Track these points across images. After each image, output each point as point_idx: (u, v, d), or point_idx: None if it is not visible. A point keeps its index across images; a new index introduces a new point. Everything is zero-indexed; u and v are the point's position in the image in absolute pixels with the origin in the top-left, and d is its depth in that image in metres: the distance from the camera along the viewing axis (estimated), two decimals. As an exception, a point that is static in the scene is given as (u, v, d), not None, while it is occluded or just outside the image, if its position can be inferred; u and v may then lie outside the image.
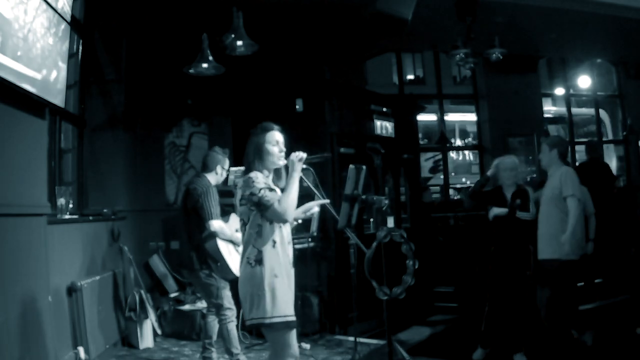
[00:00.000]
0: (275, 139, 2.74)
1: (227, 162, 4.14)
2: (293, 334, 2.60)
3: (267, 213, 2.57)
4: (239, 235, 3.89)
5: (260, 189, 2.56)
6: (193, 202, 3.86)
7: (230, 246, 3.91)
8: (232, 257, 3.84)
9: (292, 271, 2.69)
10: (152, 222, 5.69)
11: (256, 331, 4.35)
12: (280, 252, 2.62)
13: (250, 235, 2.59)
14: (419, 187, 7.53)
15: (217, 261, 3.81)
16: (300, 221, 3.11)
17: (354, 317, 4.74)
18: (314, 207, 3.06)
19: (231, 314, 3.89)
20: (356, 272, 4.26)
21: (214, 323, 4.01)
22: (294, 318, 2.60)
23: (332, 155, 5.47)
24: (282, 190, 2.69)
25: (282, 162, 2.75)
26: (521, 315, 4.14)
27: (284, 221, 2.65)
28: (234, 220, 4.05)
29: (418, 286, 4.02)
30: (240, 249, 3.83)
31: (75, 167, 4.88)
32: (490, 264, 4.25)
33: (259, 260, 2.55)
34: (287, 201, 2.61)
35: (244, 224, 2.64)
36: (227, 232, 3.87)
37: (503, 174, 4.24)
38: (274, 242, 2.60)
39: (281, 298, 2.55)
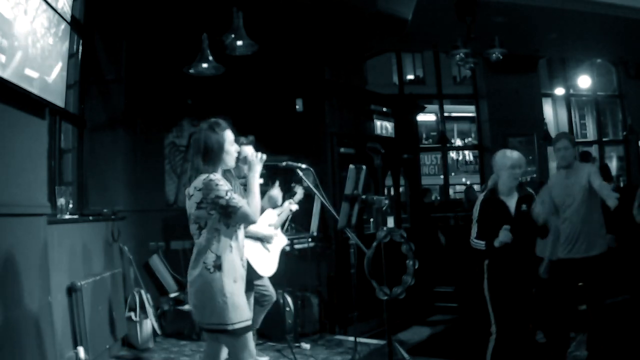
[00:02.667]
0: (232, 137, 2.65)
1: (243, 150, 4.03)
2: (251, 336, 2.57)
3: (235, 216, 2.50)
4: (270, 231, 3.88)
5: (227, 192, 2.48)
6: None
7: (257, 244, 3.81)
8: (258, 256, 3.75)
9: (245, 275, 2.63)
10: (152, 222, 5.69)
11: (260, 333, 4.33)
12: (237, 257, 2.56)
13: (208, 240, 2.49)
14: (419, 187, 7.53)
15: None
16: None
17: (354, 317, 4.74)
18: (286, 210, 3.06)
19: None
20: (356, 272, 4.27)
21: None
22: (251, 321, 2.58)
23: (333, 158, 5.46)
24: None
25: (233, 163, 2.67)
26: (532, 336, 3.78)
27: (253, 223, 2.63)
28: (266, 215, 3.90)
29: (418, 286, 4.02)
30: (273, 244, 3.84)
31: (75, 167, 4.88)
32: (489, 283, 3.49)
33: (218, 266, 2.47)
34: (255, 202, 2.58)
35: (199, 228, 2.51)
36: (251, 229, 3.67)
37: (505, 173, 3.43)
38: (231, 247, 2.53)
39: (241, 303, 2.50)
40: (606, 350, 3.75)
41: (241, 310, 2.49)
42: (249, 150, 3.79)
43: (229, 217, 2.51)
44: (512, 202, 3.43)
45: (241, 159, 3.89)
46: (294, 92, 5.82)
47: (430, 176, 14.73)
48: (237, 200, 2.50)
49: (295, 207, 4.18)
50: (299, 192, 4.20)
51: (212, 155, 2.55)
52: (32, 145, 3.46)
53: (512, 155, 3.46)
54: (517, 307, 3.41)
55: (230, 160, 2.64)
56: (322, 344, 4.85)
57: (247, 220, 2.58)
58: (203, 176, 2.51)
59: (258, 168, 2.67)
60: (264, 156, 2.72)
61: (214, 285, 2.45)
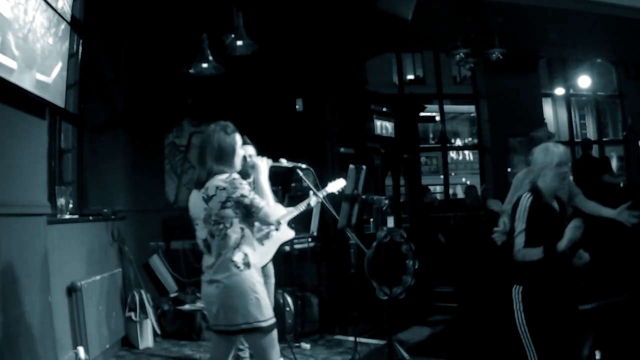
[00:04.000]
0: (240, 141, 2.66)
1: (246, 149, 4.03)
2: (276, 335, 2.57)
3: (257, 216, 2.52)
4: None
5: (250, 191, 2.50)
6: None
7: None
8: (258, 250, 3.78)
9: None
10: (152, 222, 5.69)
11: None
12: (258, 255, 2.62)
13: (236, 239, 2.50)
14: (419, 187, 7.54)
15: None
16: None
17: (354, 317, 4.74)
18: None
19: None
20: (356, 272, 4.27)
21: None
22: (275, 318, 2.59)
23: (333, 158, 5.46)
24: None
25: (240, 166, 2.67)
26: None
27: (271, 223, 2.66)
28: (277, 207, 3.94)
29: (418, 286, 4.03)
30: (269, 239, 3.82)
31: (75, 167, 4.88)
32: (527, 314, 2.72)
33: (247, 264, 2.49)
34: (271, 204, 2.63)
35: (225, 228, 2.49)
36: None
37: (550, 173, 2.79)
38: (255, 245, 2.59)
39: (266, 300, 2.54)
40: (610, 350, 3.74)
41: (268, 307, 2.52)
42: (249, 150, 3.86)
43: (251, 217, 2.52)
44: (556, 207, 2.86)
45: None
46: (294, 92, 5.82)
47: (430, 176, 14.75)
48: (259, 200, 2.52)
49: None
50: (313, 200, 4.06)
51: (226, 156, 2.56)
52: (32, 145, 3.45)
53: (557, 150, 2.83)
54: (566, 339, 2.72)
55: (239, 163, 2.65)
56: (322, 344, 4.85)
57: (267, 222, 2.60)
58: (224, 175, 2.50)
59: (265, 170, 2.69)
60: (270, 161, 2.76)
61: (245, 284, 2.46)
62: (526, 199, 2.78)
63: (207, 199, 2.51)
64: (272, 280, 4.01)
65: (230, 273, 2.47)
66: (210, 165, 2.54)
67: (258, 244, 3.79)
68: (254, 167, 2.72)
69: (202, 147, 2.60)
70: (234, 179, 2.49)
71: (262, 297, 2.48)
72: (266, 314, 2.48)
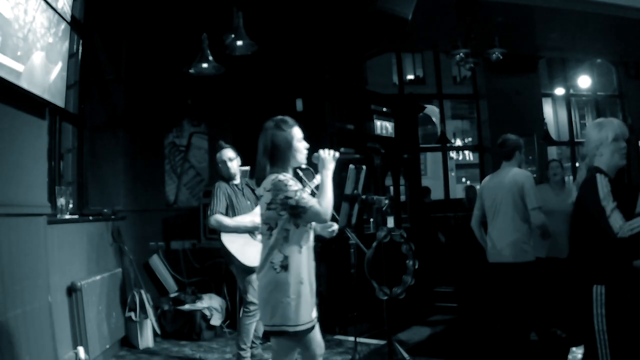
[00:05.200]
0: (300, 134, 2.59)
1: (226, 152, 4.05)
2: (311, 336, 2.53)
3: (305, 216, 2.46)
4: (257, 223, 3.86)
5: (296, 192, 2.44)
6: (208, 200, 3.96)
7: (244, 237, 3.84)
8: (245, 248, 3.80)
9: (314, 276, 2.59)
10: (152, 222, 5.69)
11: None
12: (306, 257, 2.52)
13: (277, 240, 2.46)
14: (419, 187, 7.53)
15: (227, 254, 3.82)
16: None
17: (354, 317, 4.74)
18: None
19: (254, 308, 3.80)
20: (356, 272, 4.26)
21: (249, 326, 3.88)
22: (314, 322, 2.53)
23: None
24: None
25: (304, 160, 2.62)
26: None
27: (325, 221, 2.58)
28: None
29: (418, 286, 4.02)
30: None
31: (75, 167, 4.88)
32: (609, 312, 2.42)
33: (285, 267, 2.44)
34: (327, 201, 2.52)
35: (270, 229, 2.49)
36: (230, 224, 3.80)
37: (607, 150, 2.59)
38: (300, 247, 2.50)
39: (305, 305, 2.46)
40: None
41: (305, 312, 2.45)
42: (229, 153, 4.03)
43: (299, 217, 2.47)
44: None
45: (232, 159, 3.98)
46: (294, 92, 5.82)
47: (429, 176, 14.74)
48: (307, 199, 2.46)
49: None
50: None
51: (280, 154, 2.51)
52: (32, 145, 3.46)
53: (611, 124, 2.58)
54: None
55: (300, 157, 2.58)
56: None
57: (319, 219, 2.52)
58: (272, 177, 2.48)
59: (331, 166, 2.62)
60: (337, 154, 2.67)
61: (279, 286, 2.43)
62: (600, 179, 2.49)
63: (258, 199, 2.55)
64: None
65: (268, 273, 2.46)
66: (264, 164, 2.52)
67: (246, 244, 3.83)
68: (319, 160, 2.64)
69: (259, 146, 2.56)
70: (279, 180, 2.45)
71: (296, 302, 2.42)
72: (296, 319, 2.42)
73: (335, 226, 2.84)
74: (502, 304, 3.93)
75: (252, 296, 3.82)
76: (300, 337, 2.47)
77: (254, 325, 3.88)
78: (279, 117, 2.59)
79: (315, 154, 2.64)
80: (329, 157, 2.62)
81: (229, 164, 4.04)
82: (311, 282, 2.54)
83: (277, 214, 2.46)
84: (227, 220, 3.82)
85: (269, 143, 2.52)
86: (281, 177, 2.47)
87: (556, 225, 4.08)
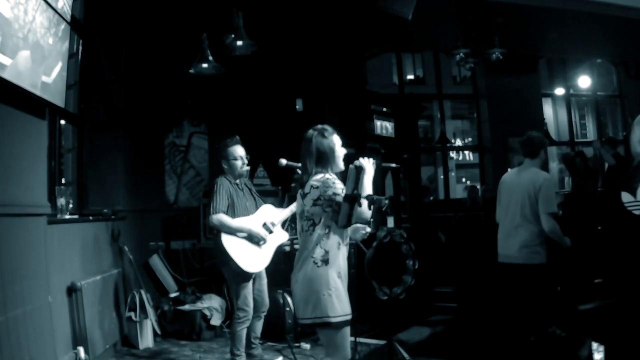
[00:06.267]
0: (340, 141, 2.79)
1: (231, 150, 3.93)
2: (348, 332, 2.69)
3: None
4: (258, 230, 3.82)
5: (343, 189, 2.61)
6: (207, 200, 3.86)
7: (244, 241, 3.75)
8: (244, 252, 3.71)
9: (347, 273, 2.75)
10: (152, 222, 5.69)
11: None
12: (343, 253, 2.71)
13: (319, 236, 2.63)
14: (419, 187, 7.53)
15: (225, 256, 3.68)
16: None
17: (354, 317, 4.74)
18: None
19: (243, 315, 3.77)
20: (356, 272, 4.26)
21: (241, 332, 3.84)
22: (351, 315, 2.68)
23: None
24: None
25: (342, 165, 2.79)
26: None
27: (366, 221, 2.73)
28: (261, 213, 3.89)
29: (418, 286, 4.02)
30: (265, 244, 3.82)
31: (75, 167, 4.88)
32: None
33: (326, 261, 2.61)
34: (365, 204, 2.68)
35: (313, 224, 2.65)
36: (233, 225, 3.70)
37: None
38: (339, 243, 2.67)
39: (344, 297, 2.63)
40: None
41: (343, 303, 2.62)
42: (240, 151, 3.97)
43: None
44: None
45: (239, 158, 3.94)
46: (294, 92, 5.82)
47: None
48: None
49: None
50: None
51: (324, 159, 2.71)
52: (32, 145, 3.45)
53: None
54: None
55: (340, 162, 2.77)
56: (322, 343, 4.84)
57: (361, 218, 2.67)
58: (319, 175, 2.66)
59: (370, 172, 2.76)
60: (376, 161, 2.83)
61: (320, 279, 2.58)
62: None
63: (303, 196, 2.69)
64: (265, 281, 4.02)
65: (309, 267, 2.61)
66: (310, 168, 2.72)
67: (247, 249, 3.82)
68: (360, 167, 2.78)
69: (303, 153, 2.75)
70: (327, 178, 2.64)
71: (336, 295, 2.58)
72: (337, 310, 2.57)
73: (368, 229, 3.00)
74: (508, 305, 3.88)
75: (243, 303, 3.77)
76: (341, 328, 2.62)
77: (246, 330, 3.85)
78: (320, 126, 2.79)
79: (356, 161, 2.78)
80: (369, 164, 2.78)
81: (240, 162, 3.92)
82: (346, 278, 2.73)
83: (322, 210, 2.63)
84: (230, 221, 3.72)
85: (314, 149, 2.72)
86: (328, 175, 2.67)
87: None
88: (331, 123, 5.43)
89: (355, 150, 5.93)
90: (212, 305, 5.18)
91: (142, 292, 4.77)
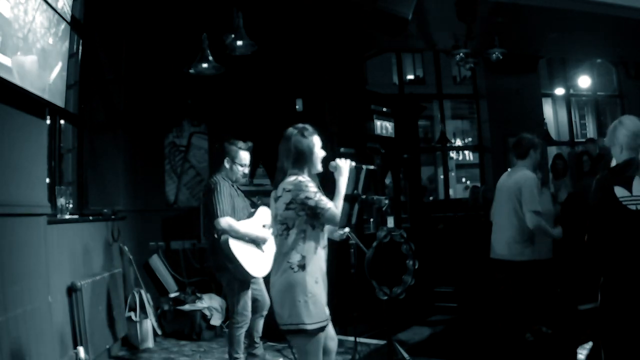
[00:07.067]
0: (320, 142, 2.74)
1: (241, 156, 3.88)
2: (323, 334, 2.60)
3: (323, 217, 2.56)
4: (263, 233, 3.82)
5: (316, 193, 2.55)
6: (204, 199, 3.80)
7: (250, 245, 3.72)
8: (251, 257, 3.67)
9: (326, 276, 2.69)
10: (152, 222, 5.69)
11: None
12: (320, 258, 2.63)
13: (295, 240, 2.56)
14: (419, 187, 7.53)
15: (231, 261, 3.61)
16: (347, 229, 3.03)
17: (354, 317, 4.74)
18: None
19: (242, 320, 3.74)
20: (356, 272, 4.26)
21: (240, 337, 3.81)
22: (328, 320, 2.62)
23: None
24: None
25: (321, 167, 2.74)
26: None
27: (339, 225, 2.70)
28: (260, 216, 3.88)
29: (418, 286, 4.02)
30: (266, 247, 3.81)
31: (75, 167, 4.88)
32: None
33: (302, 266, 2.54)
34: (340, 206, 2.64)
35: (287, 229, 2.58)
36: (241, 230, 3.66)
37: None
38: (316, 248, 2.60)
39: (320, 303, 2.57)
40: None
41: (319, 309, 2.55)
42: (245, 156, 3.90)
43: (317, 218, 2.57)
44: None
45: (242, 165, 3.91)
46: (294, 92, 5.82)
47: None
48: (326, 201, 2.56)
49: None
50: None
51: (302, 159, 2.64)
52: (32, 145, 3.45)
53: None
54: None
55: (319, 163, 2.72)
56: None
57: (334, 222, 2.63)
58: (291, 178, 2.59)
59: (346, 173, 2.73)
60: (353, 163, 2.81)
61: (296, 285, 2.51)
62: None
63: (276, 199, 2.62)
64: (262, 280, 3.97)
65: (285, 272, 2.54)
66: (286, 168, 2.64)
67: (253, 254, 3.80)
68: (336, 168, 2.76)
69: (281, 152, 2.68)
70: (300, 181, 2.56)
71: (313, 301, 2.51)
72: (313, 317, 2.51)
73: (347, 229, 2.94)
74: (498, 300, 3.97)
75: (244, 308, 3.75)
76: (316, 334, 2.54)
77: (244, 333, 3.83)
78: (301, 125, 2.72)
79: (333, 162, 2.77)
80: (345, 165, 2.75)
81: (244, 169, 3.90)
82: (325, 282, 2.65)
83: (295, 214, 2.55)
84: (238, 225, 3.67)
85: (293, 149, 2.64)
86: (301, 178, 2.59)
87: None
88: (331, 123, 5.45)
89: (355, 150, 5.94)
90: (212, 305, 5.18)
91: (142, 292, 4.77)
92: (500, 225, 3.98)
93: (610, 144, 2.67)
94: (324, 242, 2.68)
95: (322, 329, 2.57)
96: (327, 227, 2.72)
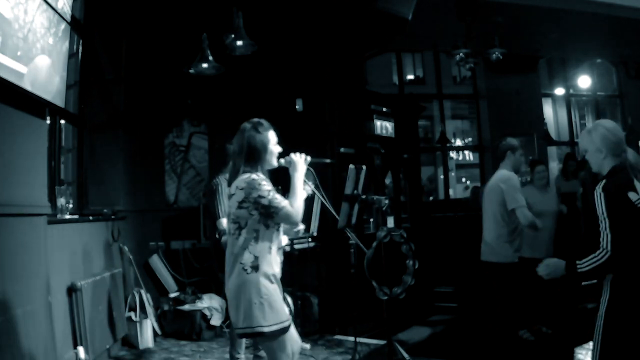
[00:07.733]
0: (275, 138, 2.62)
1: None
2: (287, 336, 2.51)
3: (277, 217, 2.46)
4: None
5: (269, 191, 2.44)
6: (206, 200, 3.80)
7: None
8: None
9: (279, 276, 2.57)
10: (152, 222, 5.69)
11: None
12: (275, 258, 2.52)
13: (247, 240, 2.45)
14: (419, 187, 7.53)
15: None
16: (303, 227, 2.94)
17: (354, 317, 4.74)
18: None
19: None
20: (356, 272, 4.26)
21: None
22: (289, 321, 2.52)
23: (333, 158, 5.45)
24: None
25: (276, 163, 2.64)
26: None
27: (296, 223, 2.58)
28: None
29: (418, 286, 4.02)
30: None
31: (75, 167, 4.88)
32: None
33: (255, 267, 2.43)
34: (298, 203, 2.54)
35: (239, 228, 2.47)
36: None
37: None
38: (270, 248, 2.49)
39: (277, 304, 2.45)
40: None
41: (277, 312, 2.43)
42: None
43: (271, 218, 2.47)
44: None
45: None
46: (294, 92, 5.82)
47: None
48: (280, 200, 2.47)
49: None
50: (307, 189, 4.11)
51: (255, 155, 2.54)
52: (32, 145, 3.45)
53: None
54: None
55: (273, 160, 2.61)
56: (322, 344, 4.85)
57: (290, 221, 2.53)
58: (245, 175, 2.48)
59: (302, 168, 2.63)
60: (309, 158, 2.68)
61: (250, 287, 2.40)
62: None
63: (229, 197, 2.53)
64: None
65: (237, 274, 2.44)
66: (238, 165, 2.54)
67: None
68: (290, 163, 2.64)
69: (234, 147, 2.59)
70: (253, 179, 2.46)
71: (268, 303, 2.40)
72: (270, 319, 2.39)
73: (302, 227, 2.76)
74: (489, 301, 4.00)
75: None
76: (277, 337, 2.44)
77: None
78: (256, 119, 2.62)
79: (287, 157, 2.66)
80: (301, 160, 2.64)
81: None
82: (279, 283, 2.54)
83: (248, 213, 2.45)
84: None
85: (246, 144, 2.54)
86: (254, 176, 2.48)
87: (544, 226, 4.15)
88: (331, 123, 5.45)
89: (355, 150, 5.95)
90: (212, 305, 5.18)
91: (142, 292, 4.77)
92: (486, 227, 4.06)
93: (587, 148, 2.63)
94: (279, 242, 2.57)
95: (283, 330, 2.45)
96: (283, 226, 2.62)
